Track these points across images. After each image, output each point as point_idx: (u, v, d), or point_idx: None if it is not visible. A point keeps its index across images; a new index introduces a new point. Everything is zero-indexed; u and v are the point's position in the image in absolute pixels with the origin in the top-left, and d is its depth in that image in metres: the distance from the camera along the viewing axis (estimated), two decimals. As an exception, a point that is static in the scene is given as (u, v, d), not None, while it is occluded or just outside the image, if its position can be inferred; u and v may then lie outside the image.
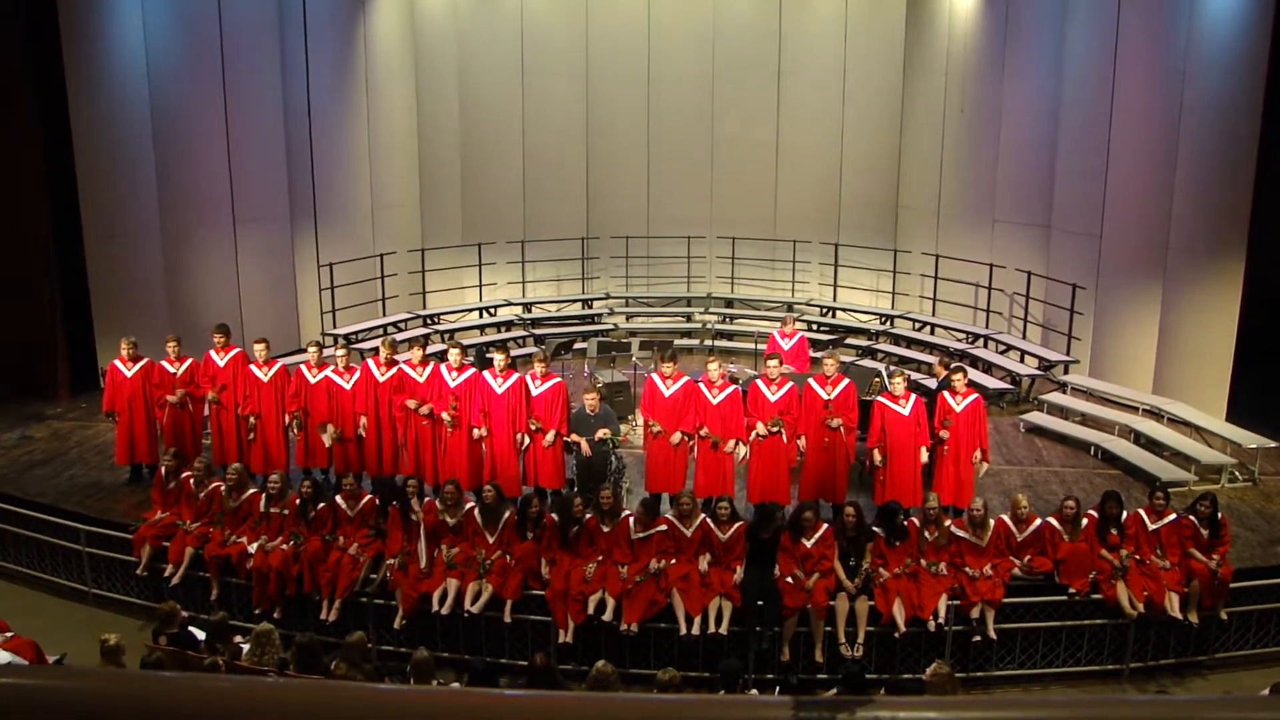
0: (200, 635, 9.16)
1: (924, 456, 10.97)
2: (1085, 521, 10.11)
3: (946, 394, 11.16)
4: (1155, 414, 14.09)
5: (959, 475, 11.03)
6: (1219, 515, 10.20)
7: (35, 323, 15.21)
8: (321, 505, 10.44)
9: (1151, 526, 10.13)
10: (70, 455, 13.26)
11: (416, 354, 11.81)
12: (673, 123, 20.30)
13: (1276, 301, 14.21)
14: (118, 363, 12.21)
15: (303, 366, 11.89)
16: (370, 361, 11.94)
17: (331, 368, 11.82)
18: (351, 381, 11.71)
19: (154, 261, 15.35)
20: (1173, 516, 10.17)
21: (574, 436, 11.15)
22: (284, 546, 10.21)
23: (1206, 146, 13.96)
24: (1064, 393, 15.32)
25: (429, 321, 18.65)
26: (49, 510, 11.54)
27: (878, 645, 9.79)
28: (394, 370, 11.73)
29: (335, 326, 17.35)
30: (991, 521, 10.11)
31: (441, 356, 12.07)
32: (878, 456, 10.97)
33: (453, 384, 11.43)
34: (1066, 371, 15.89)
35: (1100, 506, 10.23)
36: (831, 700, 2.33)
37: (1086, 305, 15.79)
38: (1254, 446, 12.83)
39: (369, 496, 10.56)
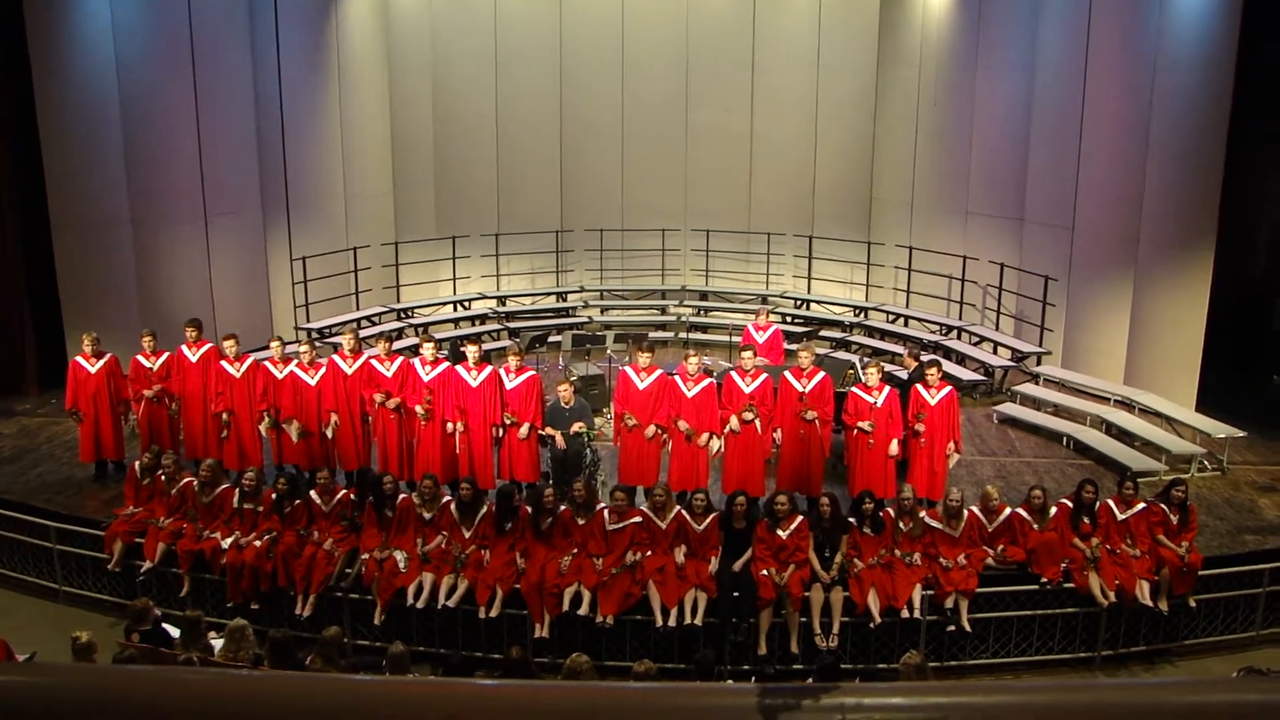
0: (174, 632, 9.08)
1: (894, 449, 11.01)
2: (1054, 511, 10.20)
3: (920, 387, 11.20)
4: (1126, 405, 14.21)
5: (933, 468, 11.10)
6: (1187, 502, 10.33)
7: (2, 318, 15.04)
8: (296, 500, 10.39)
9: (1121, 516, 10.23)
10: (40, 451, 13.14)
11: (383, 347, 11.75)
12: (647, 115, 20.27)
13: (1245, 293, 14.38)
14: (80, 359, 12.07)
15: (267, 363, 11.79)
16: (335, 356, 11.86)
17: (295, 363, 11.72)
18: (317, 377, 11.61)
19: (124, 255, 15.18)
20: (1141, 506, 10.28)
21: (549, 430, 11.14)
22: (257, 542, 10.15)
23: (1177, 140, 14.06)
24: (1036, 384, 15.43)
25: (402, 315, 18.57)
26: (18, 507, 11.40)
27: (853, 636, 9.83)
28: (361, 361, 11.67)
29: (308, 320, 17.24)
30: (965, 512, 10.18)
31: (414, 351, 11.99)
32: (868, 424, 10.95)
33: (426, 378, 11.38)
34: (1039, 363, 16.00)
35: (1076, 492, 10.32)
36: (796, 687, 2.34)
37: (1059, 297, 15.91)
38: (1223, 436, 12.96)
39: (343, 491, 10.51)
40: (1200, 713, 2.52)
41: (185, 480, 10.77)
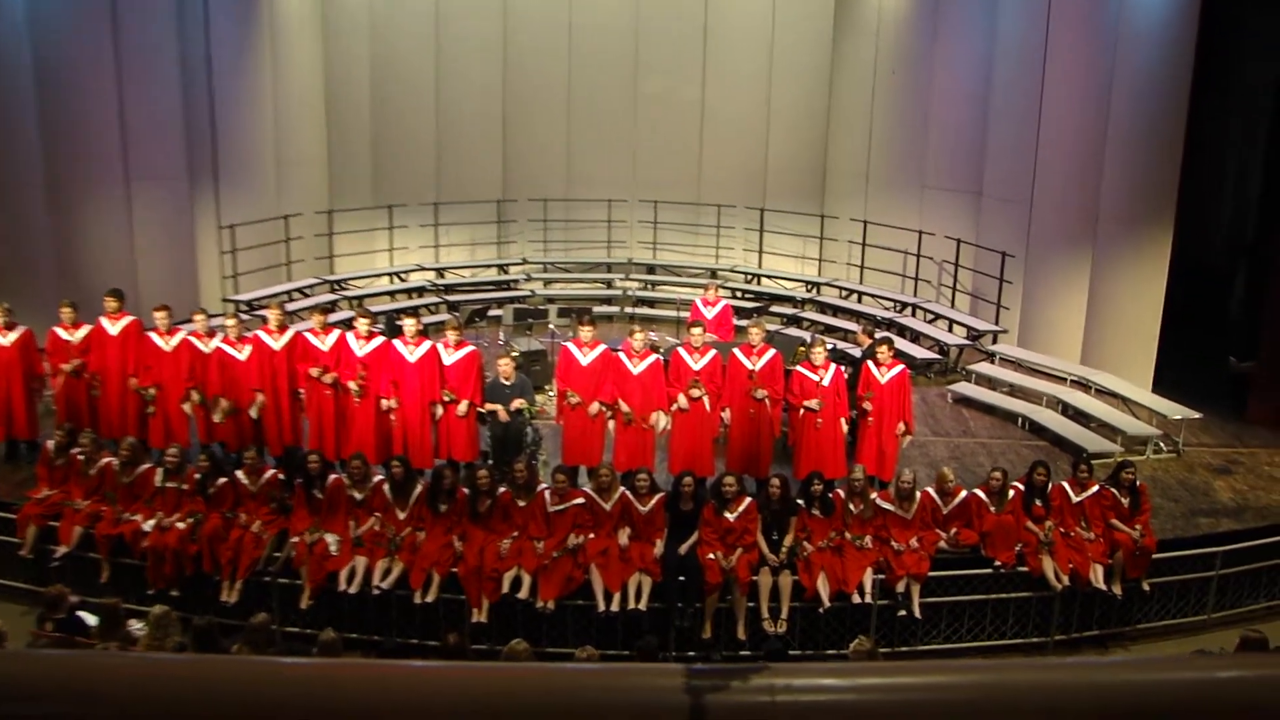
0: (91, 620, 8.64)
1: (844, 427, 10.77)
2: (1011, 493, 10.03)
3: (871, 364, 10.96)
4: (1083, 385, 14.10)
5: (882, 447, 10.89)
6: (1137, 484, 10.22)
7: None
8: (222, 480, 10.00)
9: (1075, 499, 10.12)
10: (-52, 429, 12.50)
11: (318, 320, 11.27)
12: (595, 81, 19.89)
13: (1202, 273, 14.30)
14: (-11, 332, 11.46)
15: (191, 337, 11.23)
16: (260, 331, 11.32)
17: (221, 337, 11.18)
18: (245, 353, 11.09)
19: (38, 222, 14.43)
20: (1096, 488, 10.15)
21: (489, 406, 10.75)
22: (181, 524, 9.76)
23: (1137, 118, 13.96)
24: (992, 363, 15.24)
25: (337, 287, 18.02)
26: (-78, 489, 10.86)
27: (801, 621, 9.65)
28: (289, 336, 11.16)
29: (237, 292, 16.63)
30: (918, 494, 9.97)
31: (348, 324, 11.52)
32: (815, 403, 10.63)
33: (361, 353, 10.90)
34: (995, 341, 15.81)
35: (1028, 475, 10.20)
36: (724, 668, 2.24)
37: (1016, 274, 15.74)
38: (1178, 418, 12.89)
39: (271, 471, 10.12)
40: (1139, 691, 2.51)
41: (104, 461, 10.30)
